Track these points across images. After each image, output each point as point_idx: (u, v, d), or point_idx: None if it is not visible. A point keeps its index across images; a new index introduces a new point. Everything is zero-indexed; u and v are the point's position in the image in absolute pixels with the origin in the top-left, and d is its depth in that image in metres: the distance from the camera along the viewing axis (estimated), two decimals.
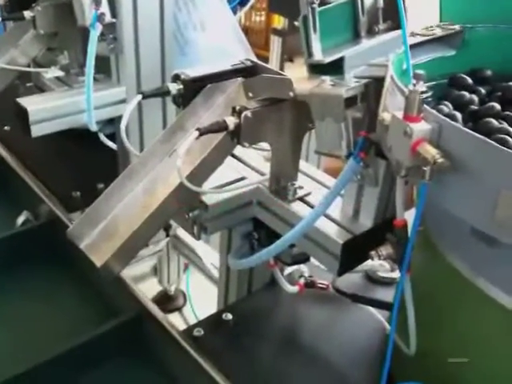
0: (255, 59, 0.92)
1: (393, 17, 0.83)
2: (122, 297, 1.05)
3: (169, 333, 0.96)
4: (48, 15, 1.24)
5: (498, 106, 0.72)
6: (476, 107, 0.74)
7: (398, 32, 0.81)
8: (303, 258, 0.94)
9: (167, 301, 1.76)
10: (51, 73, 1.35)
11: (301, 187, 0.89)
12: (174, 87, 0.86)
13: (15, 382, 0.88)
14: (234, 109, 0.78)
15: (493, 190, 0.55)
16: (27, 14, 1.23)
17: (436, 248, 0.73)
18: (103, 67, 1.27)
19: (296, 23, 0.81)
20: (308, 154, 1.20)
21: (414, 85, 0.58)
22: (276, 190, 0.88)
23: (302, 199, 0.88)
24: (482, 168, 0.56)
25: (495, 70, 0.82)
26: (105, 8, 1.17)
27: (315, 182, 0.93)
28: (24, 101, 1.20)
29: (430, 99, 0.76)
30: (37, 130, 1.20)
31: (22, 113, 1.18)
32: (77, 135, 1.37)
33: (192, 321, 1.61)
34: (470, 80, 0.80)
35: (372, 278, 1.10)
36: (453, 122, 0.58)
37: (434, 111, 0.59)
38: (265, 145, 0.90)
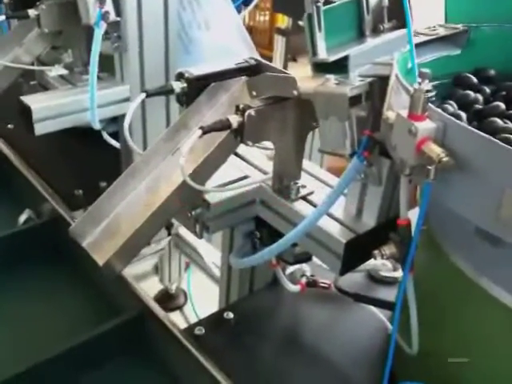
0: (259, 58, 0.92)
1: (398, 16, 0.83)
2: (124, 295, 1.05)
3: (170, 331, 0.96)
4: (52, 13, 1.25)
5: (502, 106, 0.72)
6: (481, 106, 0.74)
7: (402, 31, 0.81)
8: (305, 257, 0.94)
9: (168, 299, 1.76)
10: (55, 71, 1.35)
11: (304, 186, 0.89)
12: (178, 85, 0.86)
13: (16, 381, 0.87)
14: (237, 107, 0.78)
15: (497, 189, 0.55)
16: (31, 12, 1.23)
17: (439, 247, 0.73)
18: (107, 66, 1.27)
19: (300, 22, 0.81)
20: (311, 152, 1.20)
21: (419, 83, 0.57)
22: (279, 189, 0.88)
23: (304, 198, 0.88)
24: (486, 167, 0.56)
25: (500, 70, 0.82)
26: (109, 6, 1.17)
27: (318, 181, 0.93)
28: (28, 99, 1.20)
29: (434, 98, 0.76)
30: (40, 128, 1.20)
31: (26, 111, 1.18)
32: (80, 133, 1.38)
33: (193, 319, 1.60)
34: (474, 79, 0.80)
35: (374, 278, 1.10)
36: (458, 121, 0.58)
37: (438, 110, 0.59)
38: (268, 143, 0.90)
